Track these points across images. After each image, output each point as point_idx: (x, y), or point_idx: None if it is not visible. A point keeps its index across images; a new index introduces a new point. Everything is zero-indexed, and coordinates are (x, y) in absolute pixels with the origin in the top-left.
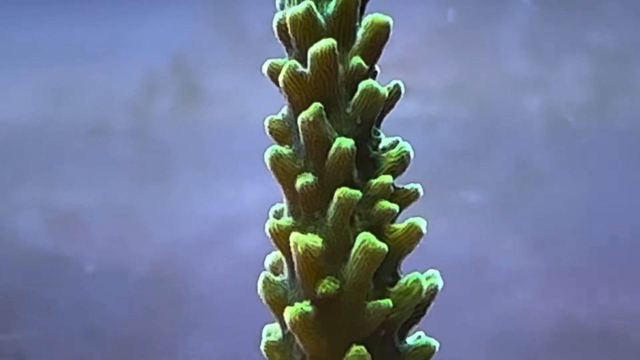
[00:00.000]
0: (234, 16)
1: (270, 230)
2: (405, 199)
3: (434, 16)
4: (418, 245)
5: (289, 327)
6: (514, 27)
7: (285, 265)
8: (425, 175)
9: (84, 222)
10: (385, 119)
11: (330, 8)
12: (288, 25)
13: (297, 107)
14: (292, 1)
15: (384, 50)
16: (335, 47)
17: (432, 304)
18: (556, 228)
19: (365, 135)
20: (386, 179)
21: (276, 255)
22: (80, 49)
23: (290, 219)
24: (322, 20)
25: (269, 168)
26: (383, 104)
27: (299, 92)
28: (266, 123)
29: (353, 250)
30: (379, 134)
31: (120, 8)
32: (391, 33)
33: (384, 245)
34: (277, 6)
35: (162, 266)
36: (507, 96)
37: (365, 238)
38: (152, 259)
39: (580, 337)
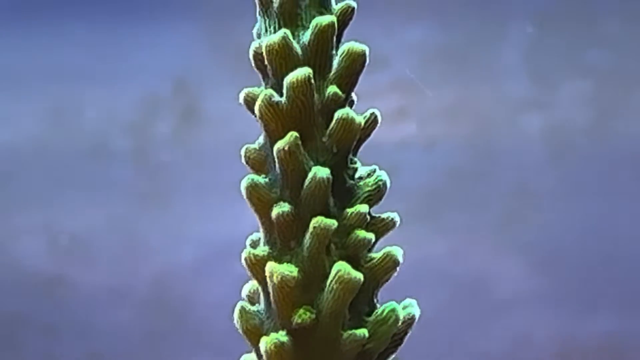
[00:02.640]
0: (234, 39)
1: (246, 260)
2: (381, 228)
3: (432, 38)
4: (395, 274)
5: (264, 358)
6: (512, 48)
7: (261, 294)
8: (425, 195)
9: (84, 244)
10: (362, 146)
11: (307, 37)
12: (264, 54)
13: (273, 136)
14: (268, 30)
15: (383, 72)
16: (311, 76)
17: (409, 333)
18: (556, 248)
19: (342, 164)
20: (362, 208)
21: (252, 284)
22: (81, 72)
23: (266, 248)
24: (298, 49)
25: (245, 197)
26: (359, 133)
27: (274, 121)
28: (242, 152)
29: (329, 280)
30: (355, 162)
31: (120, 31)
32: (367, 62)
33: (359, 275)
34: (254, 35)
35: (162, 288)
36: (506, 117)
37: (341, 267)
38: (152, 282)
39: (582, 357)
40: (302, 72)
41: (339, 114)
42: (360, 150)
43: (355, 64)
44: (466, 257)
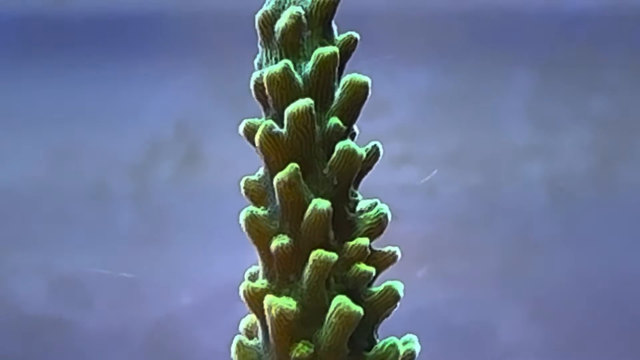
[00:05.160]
0: (235, 82)
1: (244, 293)
2: (382, 261)
3: (435, 84)
4: (395, 309)
5: None
6: (515, 95)
7: (259, 328)
8: (425, 242)
9: (84, 286)
10: (363, 180)
11: (308, 68)
12: (265, 85)
13: (273, 168)
14: (269, 60)
15: (385, 118)
16: (313, 107)
17: None
18: (559, 297)
19: (342, 196)
20: (363, 241)
21: (251, 318)
22: (82, 113)
23: (265, 281)
24: (300, 80)
25: (244, 230)
26: (361, 165)
27: (275, 152)
28: (242, 184)
29: (328, 314)
30: (356, 195)
31: (121, 73)
32: (369, 94)
33: (359, 309)
34: (255, 65)
35: (161, 332)
36: (509, 164)
37: (341, 301)
38: (153, 325)
39: None
40: (303, 103)
41: (340, 145)
42: (361, 183)
43: (357, 96)
44: (466, 305)
